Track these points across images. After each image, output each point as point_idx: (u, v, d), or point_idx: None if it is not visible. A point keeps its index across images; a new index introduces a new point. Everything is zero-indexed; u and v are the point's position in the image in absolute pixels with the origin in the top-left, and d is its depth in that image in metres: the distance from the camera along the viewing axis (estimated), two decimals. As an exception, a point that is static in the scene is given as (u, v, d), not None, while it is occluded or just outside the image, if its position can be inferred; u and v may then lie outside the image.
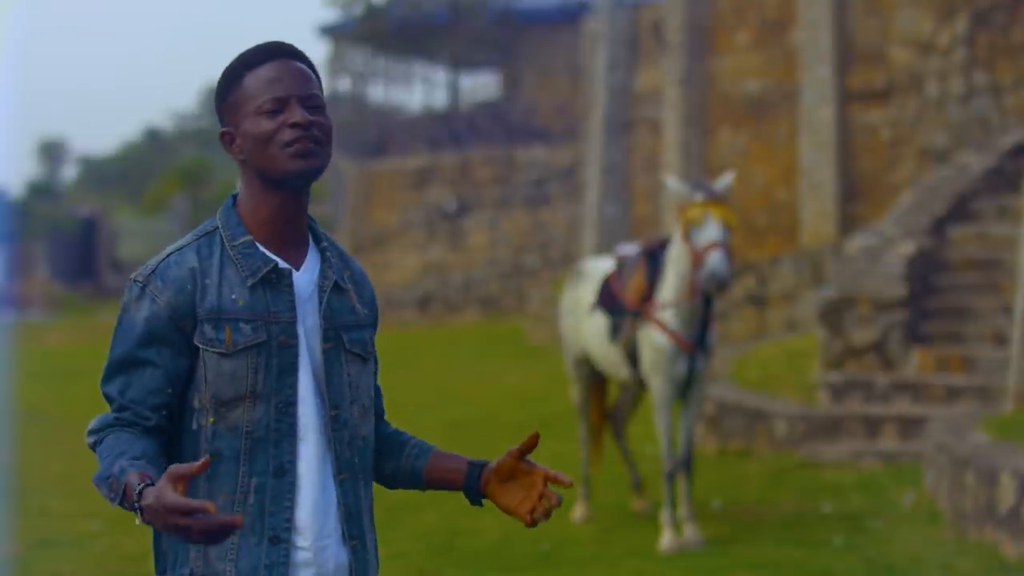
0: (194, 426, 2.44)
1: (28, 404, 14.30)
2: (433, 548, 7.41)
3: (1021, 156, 12.62)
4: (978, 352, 10.30)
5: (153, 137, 62.97)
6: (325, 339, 2.47)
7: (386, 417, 2.75)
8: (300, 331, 2.45)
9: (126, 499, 2.27)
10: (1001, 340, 10.24)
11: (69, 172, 67.82)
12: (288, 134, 2.42)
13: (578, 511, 8.34)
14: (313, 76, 2.51)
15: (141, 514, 2.22)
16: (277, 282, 2.45)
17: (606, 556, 7.35)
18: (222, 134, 2.50)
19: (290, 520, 2.41)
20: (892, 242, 11.28)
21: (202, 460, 2.18)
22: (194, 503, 2.13)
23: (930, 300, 11.15)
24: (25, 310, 33.64)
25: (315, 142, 2.44)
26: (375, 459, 2.65)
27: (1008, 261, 10.80)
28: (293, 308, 2.45)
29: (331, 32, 34.48)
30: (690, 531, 7.44)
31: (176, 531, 2.15)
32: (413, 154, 30.41)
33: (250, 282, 2.43)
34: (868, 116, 16.57)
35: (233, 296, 2.42)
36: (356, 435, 2.52)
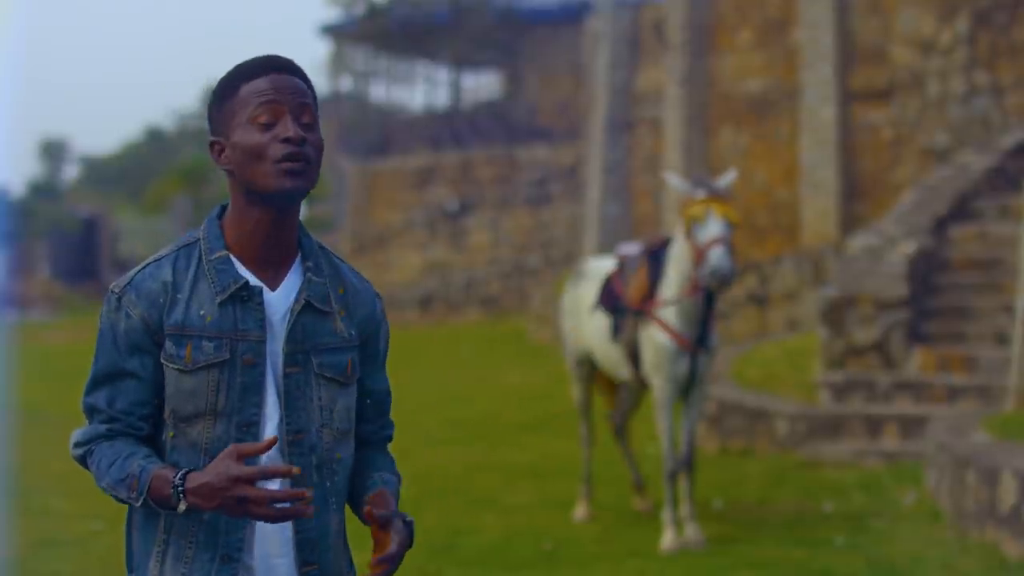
0: (163, 438, 2.45)
1: (28, 404, 14.30)
2: (434, 548, 7.41)
3: (1022, 155, 12.62)
4: (979, 351, 10.30)
5: (154, 136, 63.03)
6: (291, 362, 2.43)
7: (391, 416, 2.72)
8: (268, 351, 2.43)
9: (153, 493, 2.31)
10: (1002, 340, 10.24)
11: (70, 171, 67.90)
12: (279, 149, 2.38)
13: (580, 510, 8.34)
14: (309, 92, 2.48)
15: (184, 498, 2.27)
16: (247, 300, 2.42)
17: (608, 555, 7.35)
18: (211, 143, 2.47)
19: (243, 540, 2.40)
20: (893, 241, 11.28)
21: (268, 439, 2.29)
22: (269, 467, 2.26)
23: (931, 299, 11.15)
24: (26, 310, 33.67)
25: (306, 160, 2.40)
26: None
27: (1009, 260, 10.80)
28: (262, 327, 2.42)
29: (333, 31, 34.51)
30: (691, 530, 7.44)
31: (240, 505, 2.24)
32: (415, 154, 30.43)
33: (219, 299, 2.41)
34: (869, 115, 16.57)
35: (202, 312, 2.40)
36: (328, 459, 2.48)
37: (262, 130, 2.40)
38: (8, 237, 37.76)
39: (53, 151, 65.48)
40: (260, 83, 2.43)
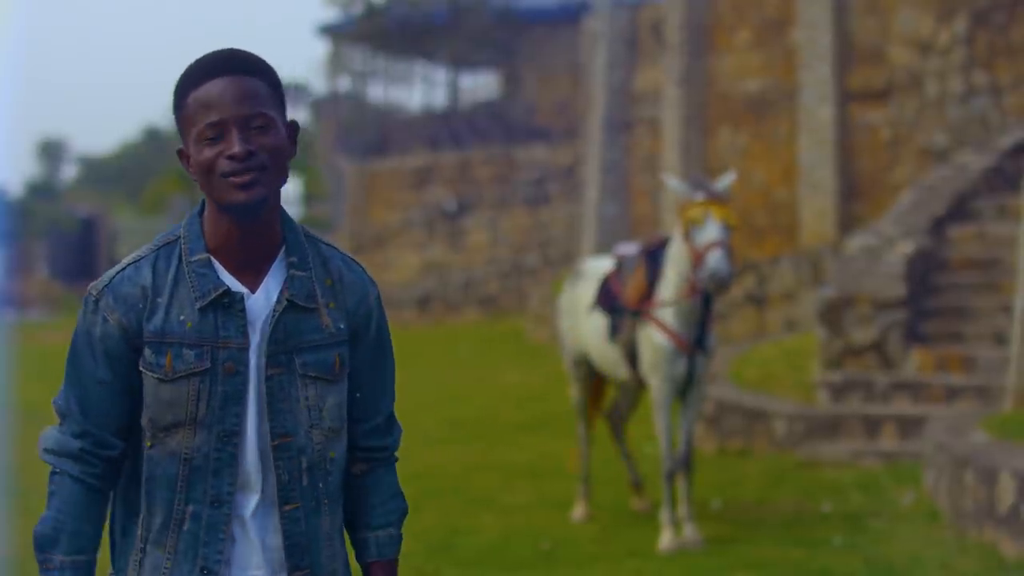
0: (142, 446, 2.40)
1: (28, 404, 14.29)
2: (432, 547, 7.41)
3: (1020, 155, 12.63)
4: (977, 351, 10.30)
5: (152, 136, 62.93)
6: (273, 364, 2.36)
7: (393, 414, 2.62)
8: (251, 358, 2.36)
9: None
10: (1000, 339, 10.24)
11: (68, 171, 67.83)
12: (226, 165, 2.30)
13: (578, 510, 8.34)
14: (263, 90, 2.36)
15: None
16: (229, 306, 2.34)
17: (606, 555, 7.35)
18: (179, 152, 2.40)
19: (223, 552, 2.35)
20: (891, 242, 11.28)
21: None
22: None
23: (929, 300, 11.15)
24: (25, 310, 33.65)
25: (259, 169, 2.31)
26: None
27: (1007, 260, 10.80)
28: (244, 334, 2.34)
29: (331, 31, 34.48)
30: (689, 531, 7.44)
31: None
32: (413, 153, 30.41)
33: (199, 305, 2.33)
34: (868, 116, 16.57)
35: (182, 317, 2.33)
36: (320, 459, 2.41)
37: (210, 145, 2.32)
38: (6, 237, 37.75)
39: (51, 151, 65.42)
40: (204, 92, 2.33)
